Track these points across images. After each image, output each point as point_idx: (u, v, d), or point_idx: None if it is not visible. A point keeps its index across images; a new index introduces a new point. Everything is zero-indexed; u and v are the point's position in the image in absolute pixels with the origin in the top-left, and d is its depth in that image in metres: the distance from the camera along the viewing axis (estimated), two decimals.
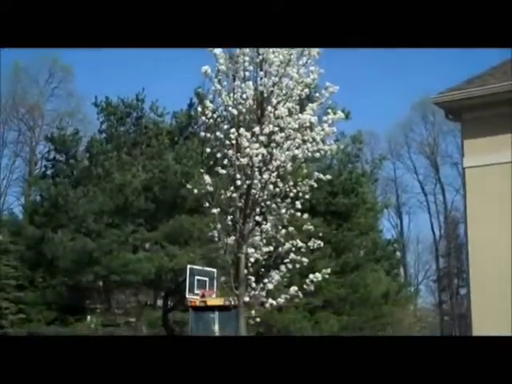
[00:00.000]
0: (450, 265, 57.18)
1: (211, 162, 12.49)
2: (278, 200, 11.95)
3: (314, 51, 11.50)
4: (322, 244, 12.37)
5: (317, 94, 11.98)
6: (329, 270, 12.15)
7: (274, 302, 11.79)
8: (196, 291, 19.75)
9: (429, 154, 59.63)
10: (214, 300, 18.38)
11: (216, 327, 18.14)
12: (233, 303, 16.07)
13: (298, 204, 11.74)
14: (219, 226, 11.84)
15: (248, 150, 11.28)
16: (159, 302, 31.47)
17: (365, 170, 38.01)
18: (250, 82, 11.59)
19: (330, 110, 11.94)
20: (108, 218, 28.59)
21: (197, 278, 20.47)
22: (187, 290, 19.67)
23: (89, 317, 31.30)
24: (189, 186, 12.55)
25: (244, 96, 11.66)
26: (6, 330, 24.30)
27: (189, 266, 20.69)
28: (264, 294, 11.76)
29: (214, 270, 21.07)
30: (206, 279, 20.55)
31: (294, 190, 11.90)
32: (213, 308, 18.15)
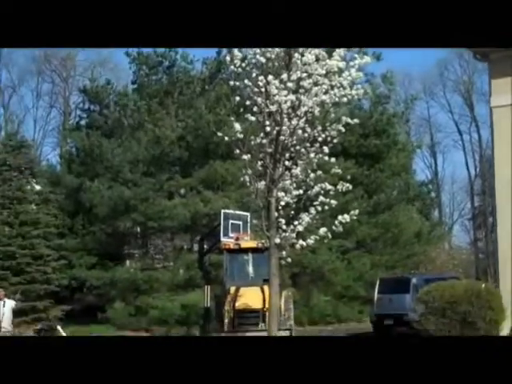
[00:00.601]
0: (485, 203, 56.86)
1: (241, 110, 12.72)
2: (307, 145, 12.28)
3: None
4: (350, 187, 12.67)
5: None
6: (357, 212, 12.52)
7: (304, 243, 12.24)
8: (230, 234, 20.01)
9: (463, 92, 58.65)
10: (247, 242, 18.79)
11: (250, 268, 18.61)
12: (265, 245, 16.69)
13: (326, 149, 12.04)
14: (250, 171, 12.25)
15: (276, 96, 11.59)
16: (195, 246, 32.30)
17: (396, 111, 37.82)
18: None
19: (357, 55, 12.12)
20: (143, 167, 29.18)
21: (231, 221, 20.62)
22: (222, 234, 19.96)
23: (128, 262, 32.25)
24: (220, 134, 12.87)
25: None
26: (49, 275, 25.18)
27: (223, 211, 20.96)
28: (294, 235, 12.21)
29: (247, 213, 21.39)
30: (240, 223, 20.79)
31: (323, 135, 12.18)
32: (246, 250, 18.51)
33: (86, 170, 29.69)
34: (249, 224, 20.81)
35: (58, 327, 10.10)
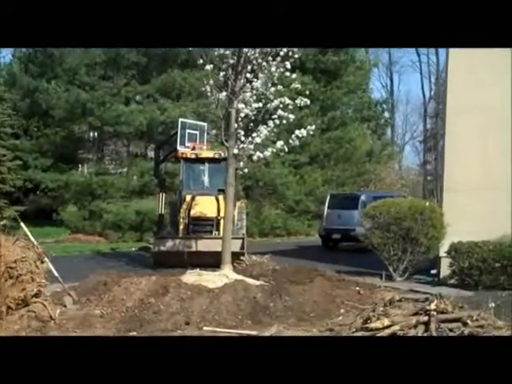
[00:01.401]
0: (438, 126, 57.80)
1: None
2: (269, 58, 12.51)
3: None
4: (308, 102, 12.99)
5: None
6: (313, 127, 12.95)
7: (261, 155, 12.66)
8: (187, 144, 20.06)
9: None
10: (204, 152, 19.00)
11: (206, 178, 18.95)
12: (222, 155, 17.05)
13: (288, 64, 12.30)
14: (212, 81, 12.47)
15: None
16: (150, 154, 32.47)
17: None
18: None
19: None
20: (100, 70, 28.87)
21: (188, 131, 20.61)
22: (178, 143, 19.96)
23: (81, 166, 32.30)
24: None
25: None
26: (4, 176, 25.13)
27: (180, 120, 20.95)
28: (252, 147, 12.59)
29: (205, 123, 21.53)
30: (197, 133, 20.76)
31: (285, 49, 12.41)
32: (203, 160, 18.77)
33: (42, 72, 29.19)
34: (205, 134, 20.95)
35: (22, 224, 10.37)
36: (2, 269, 9.05)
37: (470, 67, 13.92)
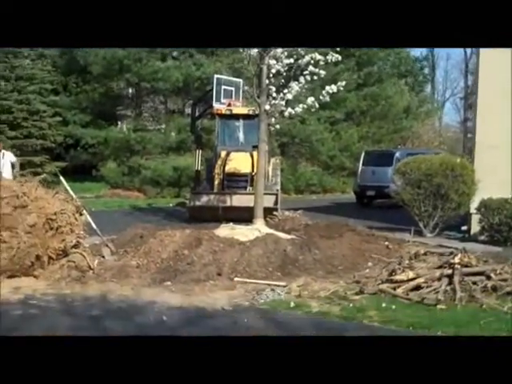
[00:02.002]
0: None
1: None
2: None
3: None
4: (340, 58, 13.05)
5: None
6: (344, 83, 13.04)
7: (293, 111, 12.84)
8: (222, 100, 20.15)
9: None
10: (239, 109, 19.12)
11: (241, 134, 19.13)
12: (257, 112, 17.23)
13: None
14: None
15: None
16: (187, 110, 32.75)
17: None
18: None
19: None
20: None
21: (223, 87, 20.63)
22: (214, 99, 20.06)
23: (119, 123, 32.76)
24: None
25: None
26: (45, 131, 25.77)
27: (215, 76, 21.03)
28: (283, 103, 12.77)
29: (240, 80, 21.55)
30: (232, 89, 20.80)
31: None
32: (238, 116, 18.90)
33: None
34: (241, 90, 21.03)
35: (61, 178, 10.77)
36: (43, 220, 9.45)
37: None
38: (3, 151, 16.55)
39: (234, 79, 21.56)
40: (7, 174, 15.44)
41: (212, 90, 20.39)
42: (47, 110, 26.28)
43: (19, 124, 25.23)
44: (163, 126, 29.45)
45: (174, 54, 29.47)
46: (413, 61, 42.61)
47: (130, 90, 31.49)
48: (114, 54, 27.36)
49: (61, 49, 29.79)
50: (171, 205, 23.32)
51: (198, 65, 27.61)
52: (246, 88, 18.59)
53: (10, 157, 16.46)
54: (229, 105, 19.57)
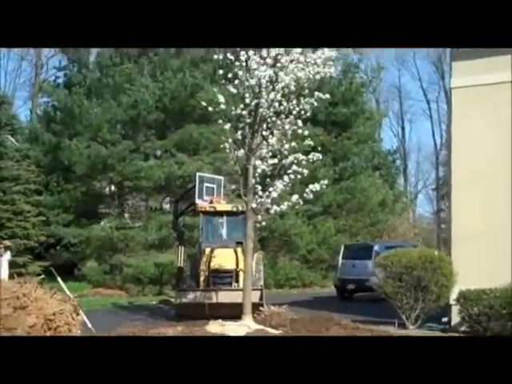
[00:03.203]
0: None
1: (223, 81, 13.71)
2: (283, 117, 13.37)
3: None
4: (321, 157, 13.78)
5: None
6: (326, 181, 13.70)
7: (278, 209, 13.41)
8: (204, 197, 20.59)
9: (435, 60, 58.83)
10: (222, 205, 19.63)
11: (224, 231, 19.57)
12: (240, 209, 17.75)
13: (300, 122, 13.14)
14: (230, 140, 13.31)
15: (256, 71, 12.63)
16: (167, 207, 33.24)
17: (364, 80, 38.82)
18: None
19: None
20: (121, 127, 29.95)
21: (205, 184, 21.03)
22: (196, 196, 20.50)
23: (101, 221, 33.04)
24: (204, 104, 13.83)
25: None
26: (29, 231, 26.01)
27: (198, 174, 21.50)
28: (269, 201, 13.33)
29: (221, 177, 22.14)
30: (214, 186, 21.27)
31: (297, 108, 13.27)
32: (221, 213, 19.42)
33: (64, 128, 30.22)
34: (222, 187, 21.57)
35: (58, 279, 11.08)
36: (42, 321, 9.67)
37: (473, 119, 14.68)
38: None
39: (216, 176, 22.06)
40: (4, 273, 15.60)
41: (194, 187, 20.79)
42: (31, 209, 26.60)
43: (3, 224, 25.47)
44: (145, 223, 29.80)
45: (156, 153, 30.24)
46: (385, 154, 43.83)
47: (112, 188, 31.96)
48: (98, 153, 28.02)
49: (44, 148, 30.43)
50: (154, 302, 23.39)
51: (179, 163, 28.31)
52: (231, 186, 19.17)
53: (8, 257, 16.57)
54: (211, 202, 20.00)
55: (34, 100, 49.66)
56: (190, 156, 29.54)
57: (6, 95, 30.92)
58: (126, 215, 31.88)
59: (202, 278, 17.90)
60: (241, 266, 17.12)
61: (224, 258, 18.02)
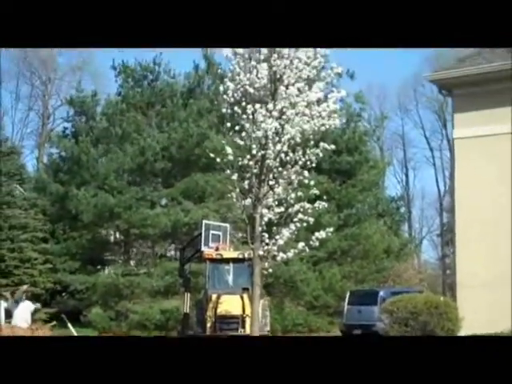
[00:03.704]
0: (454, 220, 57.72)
1: (231, 134, 14.11)
2: (289, 167, 13.70)
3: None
4: (326, 205, 14.09)
5: (323, 74, 13.64)
6: (332, 229, 13.97)
7: (285, 256, 13.65)
8: (210, 244, 20.84)
9: (437, 109, 59.64)
10: (228, 253, 19.92)
11: (230, 277, 19.80)
12: (246, 256, 18.01)
13: (306, 173, 13.47)
14: (238, 189, 13.62)
15: (263, 124, 13.01)
16: (172, 253, 33.47)
17: (367, 129, 39.34)
18: (265, 64, 13.21)
19: (334, 89, 13.68)
20: (128, 176, 30.41)
21: (211, 232, 21.37)
22: (202, 244, 20.77)
23: (107, 268, 33.25)
24: (212, 155, 14.18)
25: (259, 75, 13.34)
26: (36, 278, 26.25)
27: (204, 221, 21.81)
28: (276, 248, 13.58)
29: (227, 224, 22.45)
30: (220, 233, 21.60)
31: (303, 159, 13.61)
32: (227, 260, 19.69)
33: (71, 178, 30.67)
34: (228, 235, 21.84)
35: (69, 325, 11.32)
36: None
37: (476, 168, 15.03)
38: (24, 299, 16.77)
39: (222, 224, 22.38)
40: (24, 321, 15.60)
41: (200, 234, 21.07)
42: (38, 257, 26.89)
43: (11, 272, 25.74)
44: (151, 270, 29.99)
45: (162, 201, 30.63)
46: (389, 201, 44.10)
47: (118, 236, 32.27)
48: (105, 202, 28.40)
49: (51, 198, 30.83)
50: None
51: (185, 211, 28.64)
52: (238, 235, 19.41)
53: (29, 306, 16.59)
54: (216, 249, 20.28)
55: (41, 149, 50.41)
56: (196, 203, 29.89)
57: (14, 146, 31.41)
58: (132, 262, 32.09)
59: (208, 324, 18.09)
60: (247, 311, 17.31)
61: (230, 304, 18.22)
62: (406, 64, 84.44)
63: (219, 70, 27.22)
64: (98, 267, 30.82)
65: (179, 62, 74.50)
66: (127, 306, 28.33)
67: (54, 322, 11.54)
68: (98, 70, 50.09)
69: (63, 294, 30.92)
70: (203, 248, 20.58)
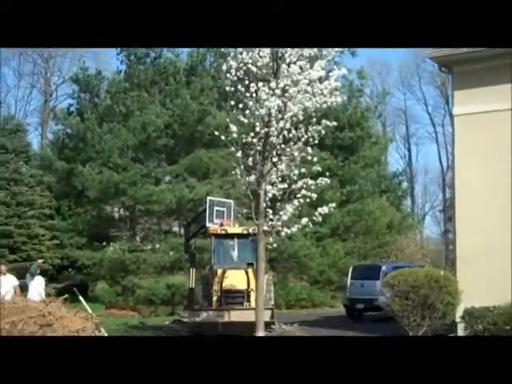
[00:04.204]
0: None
1: (234, 111, 14.36)
2: (292, 144, 13.98)
3: None
4: (329, 181, 14.38)
5: (324, 52, 13.88)
6: (334, 204, 14.27)
7: (289, 231, 13.98)
8: (215, 220, 21.08)
9: (439, 84, 59.58)
10: (233, 228, 20.20)
11: (235, 253, 20.13)
12: (250, 231, 18.34)
13: (309, 149, 13.76)
14: (242, 166, 13.93)
15: (266, 102, 13.28)
16: (176, 230, 33.89)
17: (369, 105, 39.49)
18: None
19: (335, 67, 13.93)
20: (132, 153, 30.73)
21: (215, 208, 21.52)
22: (207, 220, 21.02)
23: (113, 244, 33.66)
24: (216, 133, 14.45)
25: (261, 54, 13.59)
26: (44, 254, 26.71)
27: (208, 198, 22.03)
28: (280, 224, 13.91)
29: (231, 201, 22.70)
30: (224, 209, 21.75)
31: (305, 136, 13.89)
32: (232, 236, 19.99)
33: (77, 155, 30.96)
34: (232, 211, 22.13)
35: (81, 298, 11.70)
36: None
37: (476, 141, 15.30)
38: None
39: (226, 200, 22.60)
40: (37, 295, 16.12)
41: (205, 210, 21.33)
42: (45, 233, 27.31)
43: (19, 248, 26.19)
44: (157, 246, 30.40)
45: (167, 178, 30.96)
46: (392, 177, 44.37)
47: (124, 212, 32.65)
48: (110, 178, 28.73)
49: (57, 175, 31.17)
50: (167, 323, 23.86)
51: (190, 187, 28.97)
52: (243, 211, 19.71)
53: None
54: (221, 224, 20.53)
55: (44, 126, 50.62)
56: (200, 180, 30.21)
57: (20, 123, 31.72)
58: (138, 238, 32.50)
59: (214, 298, 18.46)
60: (252, 286, 17.70)
61: (236, 279, 18.58)
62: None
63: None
64: (104, 244, 31.18)
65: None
66: (133, 280, 28.76)
67: (66, 295, 11.86)
68: (100, 50, 50.14)
69: (70, 269, 31.35)
70: (208, 224, 20.80)
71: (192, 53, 34.53)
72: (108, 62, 43.99)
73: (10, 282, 17.01)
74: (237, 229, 20.13)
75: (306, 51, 13.56)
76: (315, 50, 13.69)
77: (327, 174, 14.72)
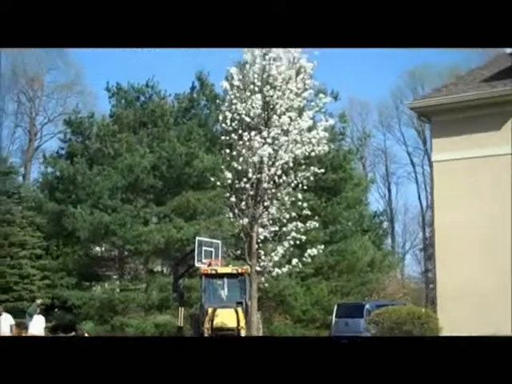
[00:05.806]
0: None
1: (228, 159, 15.25)
2: (282, 189, 14.91)
3: (309, 68, 14.43)
4: (317, 225, 15.28)
5: (312, 103, 14.94)
6: (323, 246, 15.13)
7: (280, 271, 14.83)
8: (203, 260, 21.66)
9: (417, 125, 60.78)
10: (223, 268, 20.86)
11: (225, 291, 20.74)
12: (239, 271, 19.08)
13: (299, 195, 14.70)
14: (236, 210, 14.80)
15: (259, 150, 14.24)
16: (165, 269, 34.38)
17: (351, 148, 40.56)
18: (259, 95, 14.47)
19: (322, 117, 14.99)
20: (121, 194, 31.37)
21: (204, 248, 22.06)
22: (196, 260, 21.64)
23: (102, 283, 34.08)
24: (212, 179, 15.33)
25: (254, 105, 14.59)
26: (35, 294, 27.09)
27: (197, 238, 22.63)
28: (271, 264, 14.74)
29: (219, 241, 23.35)
30: (212, 249, 22.40)
31: (295, 181, 14.83)
32: (222, 275, 20.68)
33: (67, 197, 31.55)
34: (220, 251, 22.81)
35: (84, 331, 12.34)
36: None
37: (454, 186, 16.25)
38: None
39: (214, 240, 23.19)
40: (38, 333, 16.70)
41: (193, 250, 21.94)
42: (37, 273, 27.74)
43: (11, 288, 26.59)
44: (144, 286, 30.87)
45: (155, 218, 31.62)
46: (373, 216, 45.26)
47: (112, 252, 33.15)
48: (100, 220, 29.34)
49: (48, 216, 31.68)
50: None
51: (178, 228, 29.60)
52: (237, 252, 20.45)
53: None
54: (209, 264, 21.21)
55: (28, 166, 50.89)
56: (187, 221, 30.84)
57: (13, 165, 32.33)
58: (128, 277, 32.96)
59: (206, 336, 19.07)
60: (241, 324, 18.39)
61: (226, 317, 19.23)
62: (385, 81, 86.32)
63: (212, 92, 28.32)
64: (94, 282, 31.59)
65: (171, 84, 75.31)
66: (122, 320, 29.15)
67: (73, 333, 12.47)
68: (86, 90, 51.07)
69: (56, 309, 31.64)
70: (196, 264, 21.40)
71: (181, 96, 35.49)
72: (93, 103, 44.50)
73: (8, 321, 17.65)
74: (227, 268, 20.78)
75: (296, 103, 14.59)
76: (304, 102, 14.74)
77: (310, 214, 15.54)
